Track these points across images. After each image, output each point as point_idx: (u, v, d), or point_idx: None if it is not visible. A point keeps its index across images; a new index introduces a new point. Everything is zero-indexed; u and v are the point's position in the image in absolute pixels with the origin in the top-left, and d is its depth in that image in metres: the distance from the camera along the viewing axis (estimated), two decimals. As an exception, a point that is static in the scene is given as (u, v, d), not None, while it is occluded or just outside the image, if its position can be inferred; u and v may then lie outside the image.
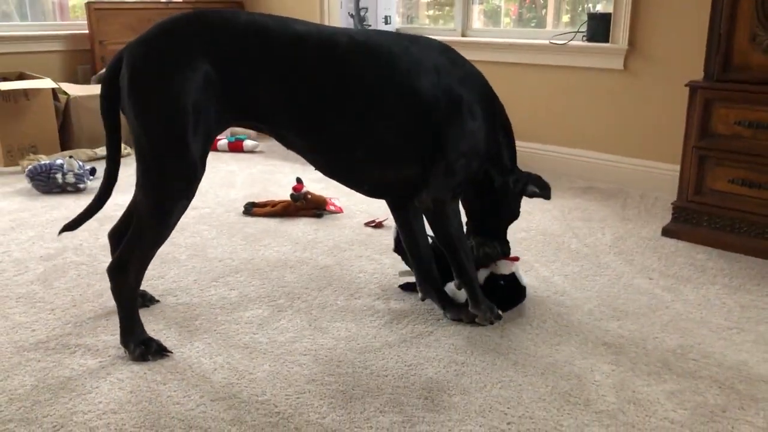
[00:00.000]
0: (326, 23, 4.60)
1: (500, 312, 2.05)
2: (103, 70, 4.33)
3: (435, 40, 2.01)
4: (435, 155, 1.89)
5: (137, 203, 1.78)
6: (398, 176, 1.94)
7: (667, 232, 2.80)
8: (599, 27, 3.52)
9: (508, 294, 2.10)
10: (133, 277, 1.80)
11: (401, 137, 1.87)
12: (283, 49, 1.76)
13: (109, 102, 1.78)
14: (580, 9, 3.96)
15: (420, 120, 1.86)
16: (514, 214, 2.18)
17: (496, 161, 2.06)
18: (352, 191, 2.05)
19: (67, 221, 2.02)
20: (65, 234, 2.73)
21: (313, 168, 1.98)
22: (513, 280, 2.11)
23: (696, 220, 2.74)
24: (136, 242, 1.78)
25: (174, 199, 1.75)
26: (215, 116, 1.74)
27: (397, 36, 1.95)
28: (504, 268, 2.11)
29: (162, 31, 1.73)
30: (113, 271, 1.80)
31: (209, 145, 1.78)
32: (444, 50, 1.96)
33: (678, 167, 2.83)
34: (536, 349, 1.90)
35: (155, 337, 1.89)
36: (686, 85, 2.70)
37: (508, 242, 2.20)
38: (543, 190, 2.12)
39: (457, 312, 2.05)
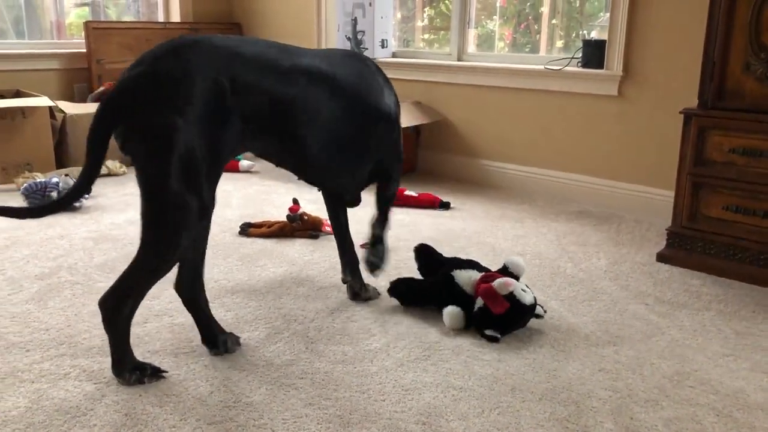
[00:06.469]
0: (324, 46, 4.64)
1: (498, 335, 2.06)
2: (101, 89, 4.36)
3: (368, 59, 2.26)
4: (393, 155, 2.28)
5: (145, 239, 1.71)
6: (370, 174, 2.26)
7: (661, 257, 2.82)
8: (594, 53, 3.56)
9: (503, 316, 2.09)
10: (129, 310, 1.77)
11: (374, 145, 2.19)
12: (288, 83, 1.85)
13: (102, 135, 1.67)
14: (573, 35, 4.01)
15: (383, 130, 2.18)
16: None
17: None
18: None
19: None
20: (60, 253, 2.73)
21: (301, 181, 2.22)
22: (511, 299, 2.10)
23: (690, 246, 2.75)
24: (139, 276, 1.73)
25: (189, 232, 1.72)
26: (228, 148, 1.77)
27: (361, 64, 2.18)
28: (501, 289, 2.10)
29: (172, 59, 1.68)
30: (109, 305, 1.74)
31: (219, 176, 1.80)
32: (381, 71, 2.25)
33: (672, 193, 2.85)
34: (534, 375, 1.90)
35: (151, 359, 1.88)
36: (681, 113, 2.73)
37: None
38: None
39: (372, 292, 2.40)
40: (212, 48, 1.74)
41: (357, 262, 2.41)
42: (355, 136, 2.09)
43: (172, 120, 1.63)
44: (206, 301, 1.97)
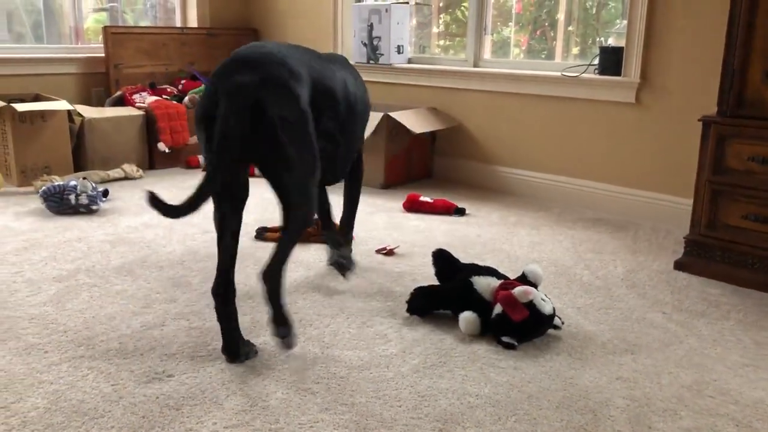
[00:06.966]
0: (340, 52, 4.65)
1: (515, 342, 2.05)
2: (119, 93, 4.39)
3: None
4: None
5: (306, 205, 1.93)
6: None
7: (679, 265, 2.80)
8: (611, 60, 3.55)
9: (521, 324, 2.08)
10: None
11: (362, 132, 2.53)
12: (336, 90, 2.16)
13: (246, 126, 1.81)
14: (589, 41, 4.00)
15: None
16: None
17: None
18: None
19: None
20: (78, 255, 2.75)
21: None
22: (530, 308, 2.09)
23: (708, 254, 2.73)
24: (293, 242, 1.94)
25: None
26: None
27: (348, 66, 2.45)
28: (521, 296, 2.08)
29: (279, 63, 1.85)
30: (275, 274, 1.88)
31: None
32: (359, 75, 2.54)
33: (689, 201, 2.83)
34: (550, 383, 1.88)
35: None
36: (700, 120, 2.71)
37: None
38: None
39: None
40: (295, 52, 1.97)
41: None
42: (360, 134, 2.46)
43: (307, 107, 1.86)
44: (236, 312, 1.97)
